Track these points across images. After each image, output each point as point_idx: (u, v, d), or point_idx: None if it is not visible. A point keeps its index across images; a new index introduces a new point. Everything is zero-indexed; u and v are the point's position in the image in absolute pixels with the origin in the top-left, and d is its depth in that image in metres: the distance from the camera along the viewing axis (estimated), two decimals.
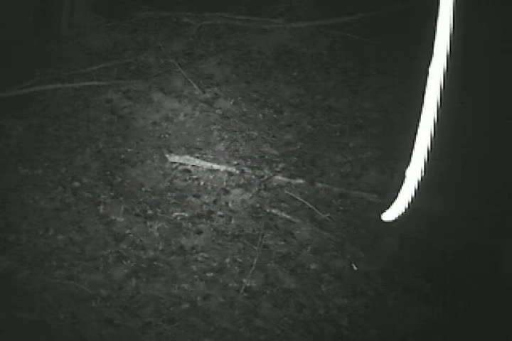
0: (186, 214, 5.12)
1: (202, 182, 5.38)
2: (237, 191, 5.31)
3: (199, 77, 6.29)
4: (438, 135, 3.46)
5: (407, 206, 3.80)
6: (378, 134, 5.87)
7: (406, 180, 3.64)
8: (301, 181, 5.41)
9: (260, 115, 6.01)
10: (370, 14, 6.97)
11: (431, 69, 3.32)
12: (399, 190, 3.71)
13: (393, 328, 4.50)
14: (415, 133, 3.52)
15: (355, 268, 4.81)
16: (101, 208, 5.08)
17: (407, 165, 3.57)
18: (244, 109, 6.03)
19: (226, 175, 5.42)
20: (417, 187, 3.65)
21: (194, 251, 4.88)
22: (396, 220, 3.88)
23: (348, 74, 6.46)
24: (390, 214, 3.88)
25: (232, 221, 5.10)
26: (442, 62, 3.29)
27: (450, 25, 3.22)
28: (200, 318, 4.45)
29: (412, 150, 3.51)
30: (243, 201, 5.25)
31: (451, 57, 3.28)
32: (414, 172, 3.57)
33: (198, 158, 5.51)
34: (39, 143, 5.56)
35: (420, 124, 3.46)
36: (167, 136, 5.75)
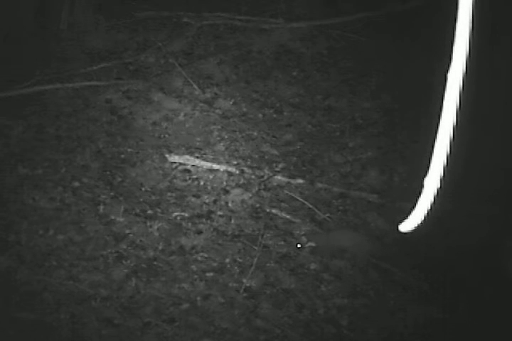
0: (186, 214, 5.12)
1: (202, 182, 5.38)
2: (237, 191, 5.31)
3: (199, 77, 6.28)
4: (456, 142, 3.45)
5: (425, 216, 3.78)
6: (378, 134, 5.87)
7: (424, 189, 3.61)
8: (301, 181, 5.41)
9: (260, 115, 6.01)
10: (370, 14, 6.97)
11: (450, 75, 3.29)
12: (417, 200, 3.68)
13: (393, 328, 4.50)
14: (433, 140, 3.50)
15: (299, 246, 4.84)
16: (101, 208, 5.07)
17: (426, 174, 3.54)
18: (244, 109, 6.03)
19: (226, 175, 5.42)
20: (435, 196, 3.63)
21: (194, 251, 4.88)
22: (414, 230, 3.86)
23: (348, 74, 6.46)
24: (408, 225, 3.85)
25: (232, 221, 5.10)
26: (461, 66, 3.26)
27: (469, 29, 3.19)
28: (200, 318, 4.45)
29: (430, 159, 3.49)
30: (243, 201, 5.25)
31: (470, 62, 3.25)
32: (432, 181, 3.54)
33: (197, 158, 5.51)
34: (39, 143, 5.56)
35: (439, 132, 3.44)
36: (167, 136, 5.75)
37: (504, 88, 4.36)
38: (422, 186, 3.59)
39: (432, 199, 3.66)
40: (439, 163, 3.53)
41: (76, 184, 5.24)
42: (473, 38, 3.25)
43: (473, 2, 3.26)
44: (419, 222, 3.82)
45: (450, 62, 3.27)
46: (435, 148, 3.49)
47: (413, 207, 3.73)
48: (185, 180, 5.40)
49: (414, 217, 3.79)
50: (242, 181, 5.38)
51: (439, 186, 3.58)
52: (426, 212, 3.77)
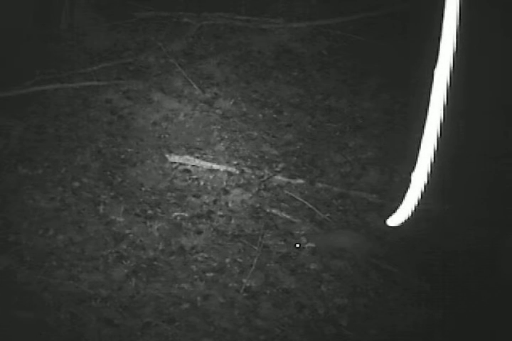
0: (186, 214, 5.12)
1: (202, 182, 5.38)
2: (237, 191, 5.31)
3: (199, 77, 6.29)
4: (443, 137, 3.46)
5: (413, 210, 3.80)
6: (378, 134, 5.87)
7: (411, 184, 3.63)
8: (301, 181, 5.41)
9: (260, 115, 6.01)
10: (370, 14, 6.97)
11: (437, 71, 3.31)
12: (404, 194, 3.70)
13: (393, 328, 4.50)
14: (420, 135, 3.52)
15: (297, 246, 4.82)
16: (101, 208, 5.08)
17: (413, 169, 3.56)
18: (244, 109, 6.03)
19: (226, 175, 5.42)
20: (422, 191, 3.64)
21: (194, 251, 4.88)
22: (402, 225, 3.87)
23: (348, 74, 6.46)
24: (395, 219, 3.87)
25: (232, 221, 5.10)
26: (448, 64, 3.28)
27: (456, 25, 3.21)
28: (200, 318, 4.45)
29: (417, 154, 3.51)
30: (243, 201, 5.25)
31: (457, 59, 3.27)
32: (419, 176, 3.56)
33: (198, 158, 5.51)
34: (39, 143, 5.56)
35: (426, 127, 3.46)
36: (167, 136, 5.75)
37: (493, 85, 4.37)
38: (409, 181, 3.62)
39: (419, 195, 3.68)
40: (427, 159, 3.55)
41: (76, 184, 5.24)
42: (461, 38, 3.28)
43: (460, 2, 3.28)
44: (407, 217, 3.84)
45: (437, 59, 3.30)
46: (422, 144, 3.52)
47: (401, 201, 3.75)
48: (185, 180, 5.40)
49: (401, 211, 3.82)
50: (242, 181, 5.38)
51: (426, 182, 3.60)
52: (413, 207, 3.79)
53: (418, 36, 6.14)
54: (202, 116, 5.93)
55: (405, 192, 3.72)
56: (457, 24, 3.29)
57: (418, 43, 6.09)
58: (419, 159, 3.56)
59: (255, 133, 5.82)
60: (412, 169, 3.61)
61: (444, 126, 3.47)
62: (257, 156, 5.62)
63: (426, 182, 3.65)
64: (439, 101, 3.41)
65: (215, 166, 5.47)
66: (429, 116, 3.46)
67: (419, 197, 3.71)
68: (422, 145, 3.50)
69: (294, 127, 5.92)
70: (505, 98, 4.83)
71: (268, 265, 4.82)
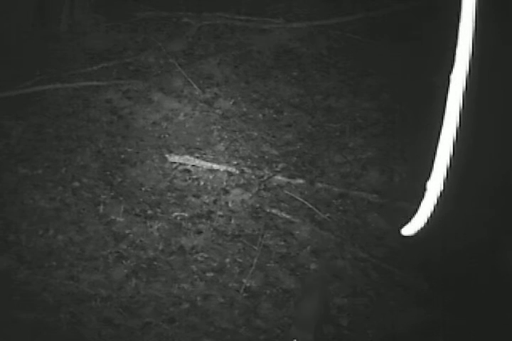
0: (186, 214, 5.12)
1: (202, 182, 5.38)
2: (237, 191, 5.31)
3: (199, 77, 6.29)
4: (458, 145, 3.44)
5: (428, 220, 3.77)
6: (378, 134, 5.87)
7: (427, 192, 3.61)
8: (301, 181, 5.41)
9: (260, 115, 6.01)
10: (370, 14, 6.97)
11: (452, 76, 3.29)
12: (418, 202, 3.68)
13: (393, 328, 4.50)
14: (435, 142, 3.50)
15: None
16: (101, 208, 5.08)
17: (429, 177, 3.54)
18: (244, 109, 6.03)
19: (226, 175, 5.42)
20: (438, 200, 3.61)
21: (194, 251, 4.88)
22: (417, 234, 3.85)
23: (348, 74, 6.46)
24: (410, 228, 3.85)
25: (232, 221, 5.10)
26: (464, 69, 3.26)
27: (472, 31, 3.19)
28: (200, 318, 4.45)
29: (430, 160, 3.49)
30: (243, 201, 5.25)
31: (473, 63, 3.25)
32: (435, 184, 3.53)
33: (198, 158, 5.51)
34: (39, 143, 5.56)
35: (442, 135, 3.43)
36: (167, 136, 5.75)
37: (507, 90, 4.35)
38: (424, 189, 3.59)
39: (435, 203, 3.65)
40: (442, 166, 3.52)
41: (76, 184, 5.24)
42: (476, 38, 3.25)
43: (476, 2, 3.25)
44: (422, 226, 3.81)
45: (453, 63, 3.28)
46: (438, 150, 3.49)
47: (415, 209, 3.72)
48: (185, 180, 5.40)
49: (416, 220, 3.79)
50: (242, 181, 5.38)
51: (441, 189, 3.57)
52: (429, 216, 3.76)
53: (418, 36, 6.15)
54: (202, 116, 5.93)
55: (419, 199, 3.70)
56: (472, 28, 3.27)
57: (418, 43, 6.10)
58: (434, 166, 3.53)
59: (255, 133, 5.82)
60: (428, 176, 3.58)
61: (459, 132, 3.44)
62: (257, 156, 5.62)
63: (442, 190, 3.61)
64: (455, 108, 3.37)
65: (215, 166, 5.47)
66: (444, 123, 3.43)
67: (435, 205, 3.68)
68: (438, 151, 3.47)
69: (294, 127, 5.92)
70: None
71: (268, 265, 4.82)
